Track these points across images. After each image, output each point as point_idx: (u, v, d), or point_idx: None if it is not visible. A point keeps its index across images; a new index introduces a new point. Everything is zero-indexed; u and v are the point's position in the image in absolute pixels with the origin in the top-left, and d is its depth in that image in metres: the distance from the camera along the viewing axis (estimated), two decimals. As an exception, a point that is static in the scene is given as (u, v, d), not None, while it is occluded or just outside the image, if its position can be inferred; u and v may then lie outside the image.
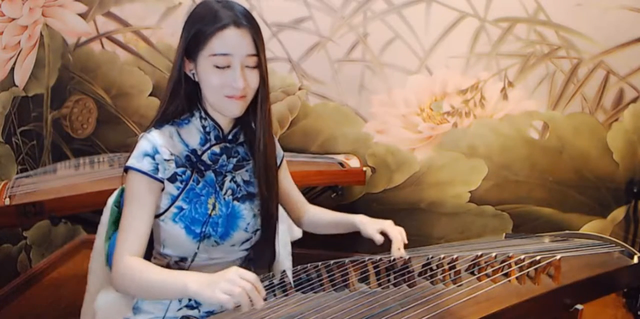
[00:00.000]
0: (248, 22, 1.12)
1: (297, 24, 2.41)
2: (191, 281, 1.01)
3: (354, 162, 2.36)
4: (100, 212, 1.46)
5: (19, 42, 2.39)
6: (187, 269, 1.23)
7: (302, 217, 1.43)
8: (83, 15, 2.58)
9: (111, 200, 1.42)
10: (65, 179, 2.04)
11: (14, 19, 2.35)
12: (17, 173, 2.39)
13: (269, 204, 1.25)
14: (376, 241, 1.24)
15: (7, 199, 1.83)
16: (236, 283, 0.96)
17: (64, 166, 2.24)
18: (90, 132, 2.74)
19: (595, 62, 2.24)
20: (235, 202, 1.23)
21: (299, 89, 2.48)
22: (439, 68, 2.37)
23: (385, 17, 2.34)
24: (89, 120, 2.72)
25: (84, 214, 1.92)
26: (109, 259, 1.38)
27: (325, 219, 1.40)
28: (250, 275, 0.98)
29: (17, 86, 2.41)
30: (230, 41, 1.11)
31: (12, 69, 2.37)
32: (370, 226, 1.26)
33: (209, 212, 1.19)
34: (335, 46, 2.41)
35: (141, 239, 1.15)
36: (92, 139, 2.74)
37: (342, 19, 2.37)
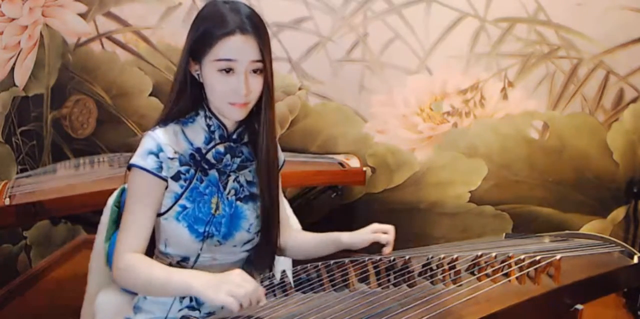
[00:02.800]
0: (254, 27, 1.13)
1: (297, 24, 2.41)
2: (195, 281, 1.02)
3: (354, 162, 2.36)
4: (100, 212, 1.46)
5: (19, 42, 2.39)
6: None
7: (286, 239, 1.34)
8: (83, 15, 2.58)
9: (111, 200, 1.42)
10: (65, 179, 2.03)
11: (14, 19, 2.35)
12: (17, 173, 2.40)
13: (269, 206, 1.24)
14: (381, 240, 1.25)
15: (7, 199, 1.82)
16: (240, 285, 0.98)
17: (64, 166, 2.24)
18: (90, 132, 2.73)
19: (595, 62, 2.24)
20: (238, 203, 1.23)
21: (299, 89, 2.48)
22: (439, 68, 2.36)
23: (385, 17, 2.34)
24: (89, 120, 2.72)
25: (84, 214, 1.92)
26: (109, 259, 1.38)
27: (310, 238, 1.34)
28: (253, 280, 1.01)
29: (17, 86, 2.41)
30: (235, 47, 1.11)
31: (12, 69, 2.37)
32: (361, 232, 1.26)
33: (213, 211, 1.19)
34: (335, 46, 2.40)
35: (143, 237, 1.15)
36: (92, 139, 2.74)
37: (342, 19, 2.37)
